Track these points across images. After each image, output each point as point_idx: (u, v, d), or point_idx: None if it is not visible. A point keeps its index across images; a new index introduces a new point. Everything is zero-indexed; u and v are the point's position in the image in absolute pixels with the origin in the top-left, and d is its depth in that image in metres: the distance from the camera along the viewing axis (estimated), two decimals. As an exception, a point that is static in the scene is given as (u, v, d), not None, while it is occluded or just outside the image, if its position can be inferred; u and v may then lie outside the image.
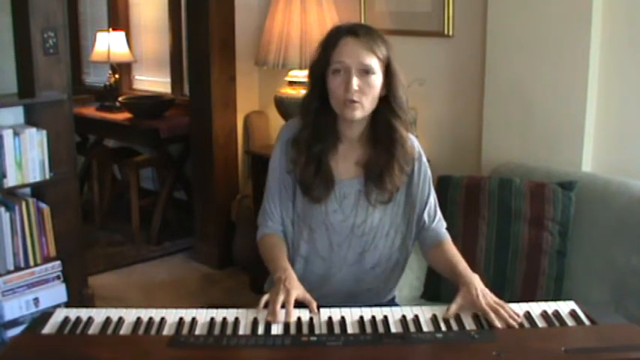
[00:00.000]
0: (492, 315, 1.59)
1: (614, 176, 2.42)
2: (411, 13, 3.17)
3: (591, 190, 2.36)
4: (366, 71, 1.72)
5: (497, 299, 1.65)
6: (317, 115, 1.80)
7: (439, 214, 1.94)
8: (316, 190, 1.81)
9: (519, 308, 1.65)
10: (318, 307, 1.64)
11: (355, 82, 1.71)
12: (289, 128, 1.89)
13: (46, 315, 1.62)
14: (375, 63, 1.73)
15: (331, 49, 1.74)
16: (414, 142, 1.89)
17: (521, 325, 1.58)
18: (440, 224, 1.93)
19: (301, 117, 1.84)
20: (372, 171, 1.82)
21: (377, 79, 1.74)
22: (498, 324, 1.57)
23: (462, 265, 1.79)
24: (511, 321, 1.57)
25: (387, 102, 1.78)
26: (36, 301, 3.01)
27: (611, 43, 2.50)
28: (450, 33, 3.04)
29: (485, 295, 1.65)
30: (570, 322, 1.59)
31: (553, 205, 2.33)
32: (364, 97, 1.73)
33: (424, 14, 3.12)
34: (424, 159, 1.91)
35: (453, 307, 1.63)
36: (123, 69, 5.15)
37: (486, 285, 1.71)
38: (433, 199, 1.93)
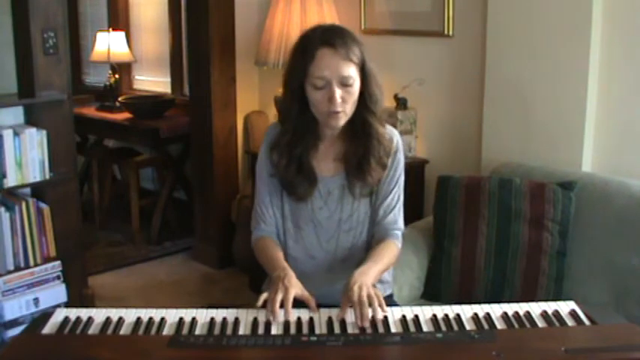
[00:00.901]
0: (347, 308, 1.58)
1: (614, 176, 2.42)
2: (411, 13, 3.17)
3: (591, 190, 2.36)
4: (346, 81, 1.73)
5: (372, 294, 1.59)
6: (297, 120, 1.82)
7: (399, 220, 1.91)
8: (300, 187, 1.84)
9: (519, 308, 1.65)
10: (318, 307, 1.64)
11: (338, 94, 1.73)
12: (272, 131, 1.91)
13: (46, 315, 1.62)
14: (353, 71, 1.74)
15: (308, 62, 1.73)
16: (395, 137, 1.90)
17: (521, 324, 1.57)
18: (393, 228, 1.89)
19: (282, 123, 1.87)
20: (350, 164, 1.84)
21: (356, 85, 1.76)
22: (359, 321, 1.54)
23: (370, 263, 1.74)
24: (359, 321, 1.54)
25: (363, 100, 1.79)
26: (36, 301, 3.01)
27: (611, 44, 2.50)
28: (450, 33, 3.04)
29: (361, 288, 1.60)
30: (570, 322, 1.59)
31: (553, 205, 2.33)
32: (347, 105, 1.76)
33: (424, 14, 3.12)
34: (400, 155, 1.91)
35: (342, 307, 1.61)
36: (123, 69, 5.15)
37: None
38: (397, 198, 1.91)
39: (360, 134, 1.83)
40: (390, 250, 1.86)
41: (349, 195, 1.86)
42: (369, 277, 1.68)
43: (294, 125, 1.82)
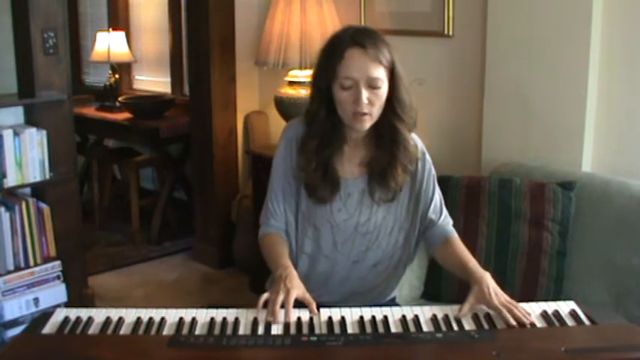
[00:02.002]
0: (507, 314, 1.59)
1: (614, 176, 2.42)
2: (411, 13, 3.17)
3: (591, 190, 2.36)
4: (374, 83, 1.72)
5: (509, 298, 1.66)
6: (325, 122, 1.80)
7: (445, 211, 1.95)
8: (321, 191, 1.82)
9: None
10: (318, 307, 1.64)
11: (365, 95, 1.71)
12: (293, 127, 1.89)
13: (46, 315, 1.62)
14: (382, 73, 1.73)
15: (337, 62, 1.72)
16: (418, 142, 1.90)
17: (521, 324, 1.58)
18: (446, 221, 1.94)
19: (307, 125, 1.84)
20: (375, 170, 1.83)
21: (384, 88, 1.75)
22: (513, 322, 1.57)
23: (473, 262, 1.79)
24: (524, 320, 1.58)
25: (391, 104, 1.77)
26: (36, 301, 3.01)
27: (610, 44, 2.50)
28: (450, 33, 3.04)
29: (497, 294, 1.65)
30: (570, 322, 1.59)
31: (553, 205, 2.33)
32: (373, 107, 1.74)
33: (424, 14, 3.12)
34: (428, 158, 1.91)
35: (466, 307, 1.63)
36: (123, 69, 5.15)
37: (497, 283, 1.70)
38: (438, 196, 1.93)
39: (387, 140, 1.81)
40: (462, 243, 1.89)
41: (369, 199, 1.85)
42: (491, 280, 1.71)
43: (322, 128, 1.80)
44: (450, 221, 1.95)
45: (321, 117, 1.79)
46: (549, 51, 2.58)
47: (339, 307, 1.65)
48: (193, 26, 3.91)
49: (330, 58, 1.74)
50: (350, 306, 1.66)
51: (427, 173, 1.90)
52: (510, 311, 1.60)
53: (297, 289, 1.65)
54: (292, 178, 1.87)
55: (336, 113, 1.78)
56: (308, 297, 1.66)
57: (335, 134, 1.81)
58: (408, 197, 1.89)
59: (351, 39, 1.72)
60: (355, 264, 1.88)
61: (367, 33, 1.76)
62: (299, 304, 1.64)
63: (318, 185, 1.81)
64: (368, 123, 1.76)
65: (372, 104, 1.73)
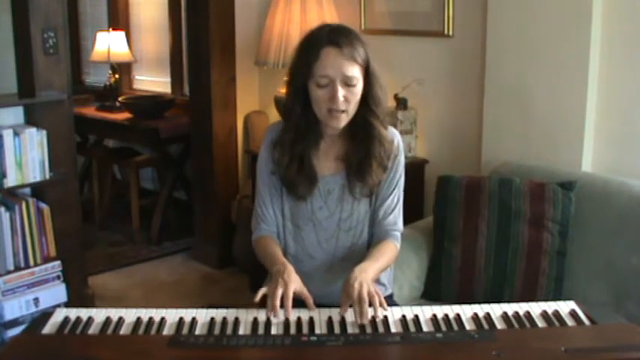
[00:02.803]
0: (347, 304, 1.58)
1: (614, 176, 2.42)
2: (411, 13, 3.17)
3: (591, 190, 2.36)
4: (350, 81, 1.73)
5: (372, 292, 1.60)
6: (300, 118, 1.82)
7: (399, 221, 1.92)
8: (300, 187, 1.84)
9: (519, 308, 1.65)
10: (317, 306, 1.64)
11: (341, 93, 1.73)
12: (273, 130, 1.91)
13: (46, 315, 1.62)
14: (357, 71, 1.74)
15: (313, 60, 1.73)
16: (396, 138, 1.90)
17: (521, 324, 1.58)
18: (393, 228, 1.90)
19: (284, 120, 1.87)
20: (351, 165, 1.84)
21: (359, 86, 1.76)
22: (358, 317, 1.55)
23: (369, 261, 1.75)
24: (358, 318, 1.55)
25: (365, 101, 1.79)
26: (36, 301, 3.01)
27: (611, 43, 2.50)
28: (450, 33, 3.04)
29: (361, 285, 1.61)
30: (570, 322, 1.59)
31: (553, 205, 2.33)
32: (349, 105, 1.76)
33: (424, 14, 3.12)
34: (401, 157, 1.91)
35: (342, 305, 1.62)
36: (123, 69, 5.15)
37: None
38: (397, 200, 1.91)
39: (362, 135, 1.83)
40: (390, 250, 1.87)
41: (349, 195, 1.86)
42: (368, 275, 1.68)
43: (297, 123, 1.82)
44: (398, 231, 1.91)
45: (297, 113, 1.82)
46: (549, 51, 2.58)
47: (339, 307, 1.65)
48: (193, 26, 3.91)
49: (306, 57, 1.76)
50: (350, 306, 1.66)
51: (394, 172, 1.89)
52: (361, 306, 1.56)
53: (295, 283, 1.66)
54: (277, 180, 1.89)
55: (311, 109, 1.80)
56: (305, 291, 1.67)
57: (310, 129, 1.83)
58: (378, 191, 1.90)
59: (327, 38, 1.74)
60: (343, 262, 1.89)
61: (343, 32, 1.77)
62: (298, 303, 1.64)
63: (295, 180, 1.83)
64: (344, 121, 1.77)
65: (347, 102, 1.75)
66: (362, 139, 1.83)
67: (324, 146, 1.87)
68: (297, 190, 1.85)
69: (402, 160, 1.91)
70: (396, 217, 1.91)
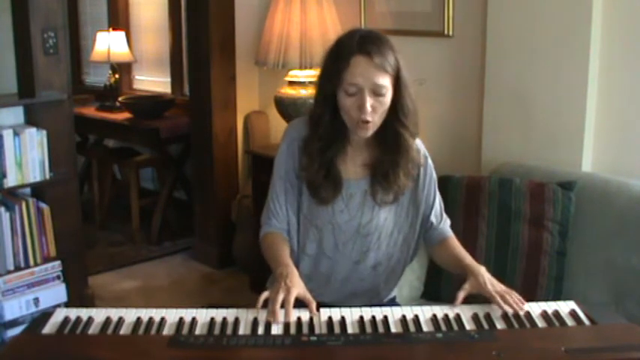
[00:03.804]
0: (499, 300, 1.64)
1: (614, 176, 2.42)
2: (411, 13, 3.17)
3: (591, 190, 2.36)
4: (379, 90, 1.72)
5: (504, 287, 1.70)
6: (329, 125, 1.80)
7: (444, 214, 1.99)
8: (324, 192, 1.82)
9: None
10: (318, 307, 1.64)
11: (369, 102, 1.71)
12: (296, 128, 1.89)
13: (46, 315, 1.62)
14: (387, 81, 1.72)
15: (342, 68, 1.71)
16: (421, 148, 1.91)
17: (521, 324, 1.58)
18: (446, 223, 1.98)
19: (312, 127, 1.84)
20: (377, 173, 1.83)
21: (388, 96, 1.74)
22: (506, 308, 1.62)
23: (469, 259, 1.84)
24: (516, 307, 1.63)
25: (394, 110, 1.77)
26: (36, 301, 3.01)
27: (611, 43, 2.50)
28: (450, 33, 3.04)
29: (493, 284, 1.71)
30: (570, 322, 1.59)
31: (553, 205, 2.33)
32: (376, 115, 1.74)
33: (424, 14, 3.12)
34: (430, 163, 1.93)
35: (462, 294, 1.69)
36: (123, 69, 5.15)
37: (493, 276, 1.76)
38: (439, 201, 1.96)
39: (390, 144, 1.81)
40: (458, 243, 1.94)
41: (371, 200, 1.85)
42: (486, 272, 1.76)
43: (326, 131, 1.80)
44: (448, 222, 1.99)
45: (326, 120, 1.79)
46: (549, 51, 2.58)
47: (339, 307, 1.65)
48: (193, 26, 3.91)
49: (336, 64, 1.73)
50: (350, 306, 1.67)
51: (429, 179, 1.92)
52: (503, 298, 1.65)
53: (298, 288, 1.65)
54: (295, 179, 1.87)
55: (339, 117, 1.78)
56: (308, 296, 1.66)
57: (338, 136, 1.81)
58: (408, 200, 1.90)
59: (358, 46, 1.71)
60: (356, 265, 1.89)
61: (374, 40, 1.74)
62: (299, 303, 1.64)
63: (320, 185, 1.82)
64: (370, 131, 1.76)
65: (375, 112, 1.73)
66: (390, 147, 1.81)
67: (352, 152, 1.85)
68: (320, 195, 1.83)
69: (431, 165, 1.93)
70: (445, 217, 1.98)
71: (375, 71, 1.70)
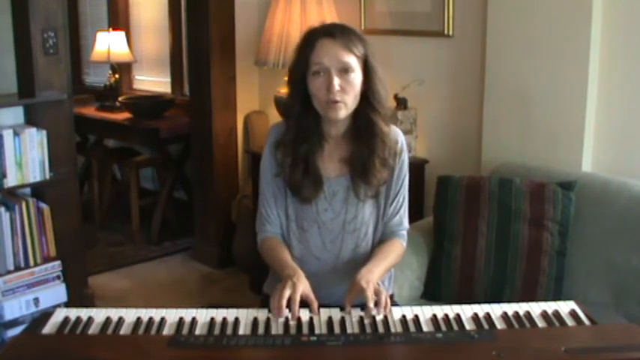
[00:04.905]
0: (369, 293, 1.60)
1: (614, 176, 2.42)
2: (411, 13, 3.17)
3: (591, 190, 2.36)
4: (345, 70, 1.74)
5: (379, 290, 1.64)
6: (300, 117, 1.82)
7: (405, 220, 1.94)
8: (305, 190, 1.83)
9: (519, 308, 1.65)
10: (319, 308, 1.64)
11: (336, 82, 1.73)
12: (276, 131, 1.91)
13: (46, 315, 1.62)
14: (353, 61, 1.75)
15: (309, 52, 1.76)
16: (399, 137, 1.91)
17: (521, 324, 1.58)
18: (399, 228, 1.93)
19: (285, 120, 1.88)
20: (356, 167, 1.84)
21: (357, 77, 1.76)
22: (370, 303, 1.58)
23: (375, 261, 1.79)
24: (382, 309, 1.58)
25: (367, 98, 1.80)
26: (36, 301, 3.01)
27: (611, 43, 2.50)
28: (450, 33, 3.04)
29: (368, 282, 1.65)
30: (570, 322, 1.59)
31: (553, 205, 2.32)
32: (346, 95, 1.75)
33: (424, 14, 3.12)
34: (405, 156, 1.92)
35: (347, 301, 1.64)
36: (123, 69, 5.15)
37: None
38: (402, 199, 1.93)
39: (365, 134, 1.82)
40: (396, 249, 1.89)
41: (354, 196, 1.86)
42: (374, 275, 1.70)
43: (298, 122, 1.82)
44: (404, 230, 1.94)
45: (297, 110, 1.82)
46: (549, 51, 2.58)
47: (339, 307, 1.65)
48: (193, 26, 3.91)
49: (302, 51, 1.78)
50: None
51: (399, 171, 1.90)
52: (376, 295, 1.60)
53: (304, 287, 1.66)
54: (281, 182, 1.88)
55: (312, 109, 1.80)
56: (312, 296, 1.66)
57: (313, 130, 1.83)
58: (386, 191, 1.91)
59: (323, 30, 1.77)
60: (347, 264, 1.89)
61: (340, 26, 1.81)
62: (300, 303, 1.63)
63: (301, 184, 1.83)
64: (342, 111, 1.77)
65: (344, 91, 1.74)
66: (365, 138, 1.82)
67: (329, 148, 1.86)
68: (302, 193, 1.84)
69: (406, 159, 1.92)
70: (402, 217, 1.93)
71: (339, 49, 1.74)
